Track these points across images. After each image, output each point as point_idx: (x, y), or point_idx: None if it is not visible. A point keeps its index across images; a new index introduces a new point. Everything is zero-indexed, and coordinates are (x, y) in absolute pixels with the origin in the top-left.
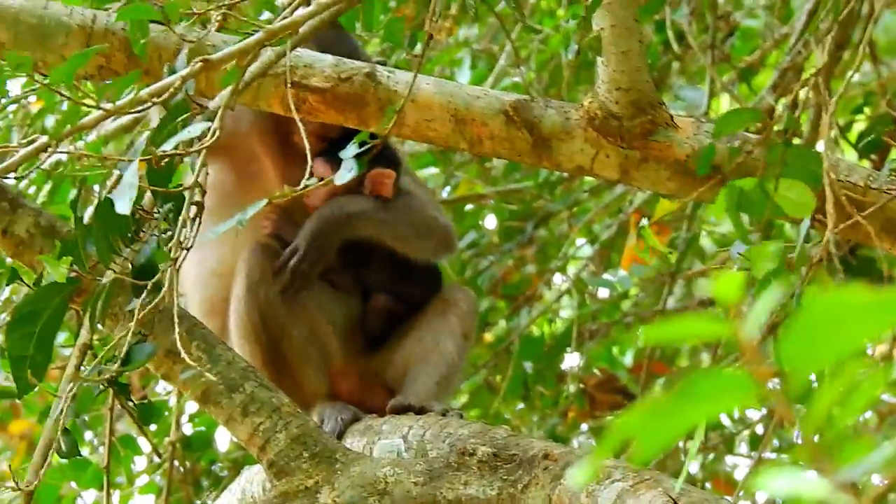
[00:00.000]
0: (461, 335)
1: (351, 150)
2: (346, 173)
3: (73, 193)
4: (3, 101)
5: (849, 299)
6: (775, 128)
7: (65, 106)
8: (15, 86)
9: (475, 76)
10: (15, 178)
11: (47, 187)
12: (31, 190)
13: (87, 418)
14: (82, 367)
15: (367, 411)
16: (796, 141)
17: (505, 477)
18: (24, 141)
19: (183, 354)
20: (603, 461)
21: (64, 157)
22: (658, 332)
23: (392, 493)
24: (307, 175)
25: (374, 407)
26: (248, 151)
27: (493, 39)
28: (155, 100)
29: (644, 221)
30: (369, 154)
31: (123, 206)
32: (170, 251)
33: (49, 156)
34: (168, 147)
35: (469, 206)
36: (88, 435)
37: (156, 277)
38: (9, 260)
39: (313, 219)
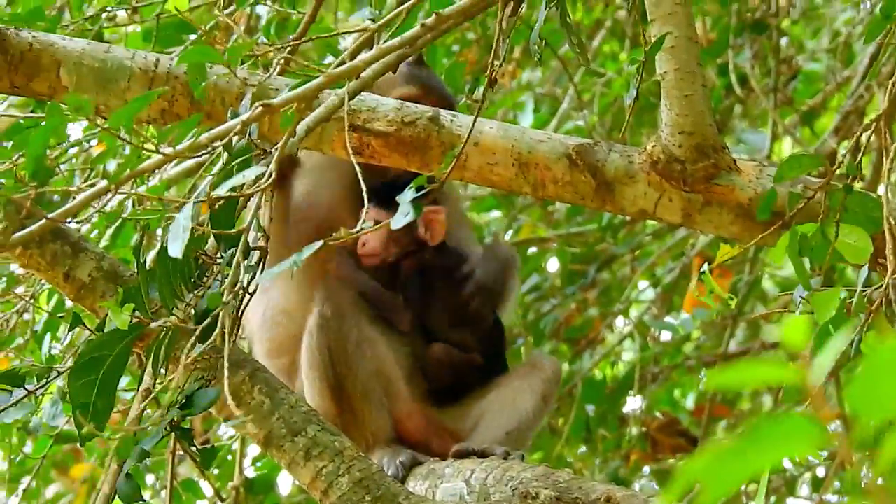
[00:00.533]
0: (540, 396)
1: (408, 194)
2: (402, 217)
3: (135, 238)
4: (64, 144)
5: None
6: (836, 172)
7: (127, 150)
8: (76, 129)
9: (538, 120)
10: (76, 221)
11: (109, 231)
12: (94, 234)
13: (149, 462)
14: (144, 413)
15: (433, 456)
16: (858, 185)
17: None
18: (85, 185)
19: (231, 404)
20: None
21: (127, 201)
22: (722, 377)
23: None
24: (362, 218)
25: (440, 453)
26: (327, 210)
27: (557, 83)
28: (216, 144)
29: (705, 266)
30: (427, 198)
31: (176, 250)
32: (222, 295)
33: (109, 200)
34: (223, 190)
35: (532, 250)
36: (150, 479)
37: (211, 321)
38: (69, 304)
39: (490, 264)
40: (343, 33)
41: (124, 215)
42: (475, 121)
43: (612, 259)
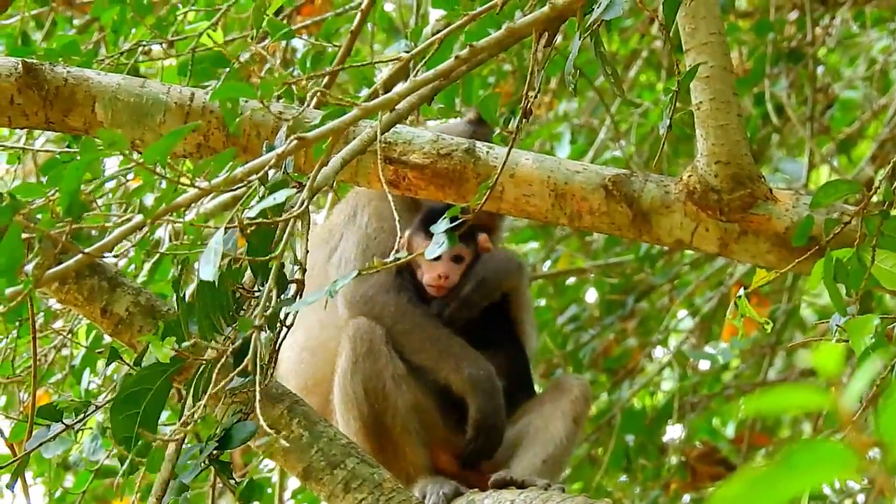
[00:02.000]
0: (572, 419)
1: (442, 224)
2: (436, 247)
3: (173, 272)
4: (100, 179)
5: None
6: (873, 199)
7: (163, 184)
8: (112, 162)
9: (575, 150)
10: (113, 256)
11: (147, 266)
12: (131, 268)
13: (189, 496)
14: (184, 446)
15: (470, 486)
16: (894, 212)
17: None
18: (120, 220)
19: (265, 428)
20: None
21: (164, 235)
22: (759, 404)
23: None
24: (395, 248)
25: (477, 483)
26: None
27: (593, 113)
28: (251, 178)
29: (741, 291)
30: (460, 229)
31: (208, 273)
32: (256, 322)
33: (143, 235)
34: (254, 213)
35: (570, 280)
36: None
37: (244, 349)
38: (107, 338)
39: (481, 265)
40: (376, 63)
41: (162, 250)
42: (509, 152)
43: (650, 289)
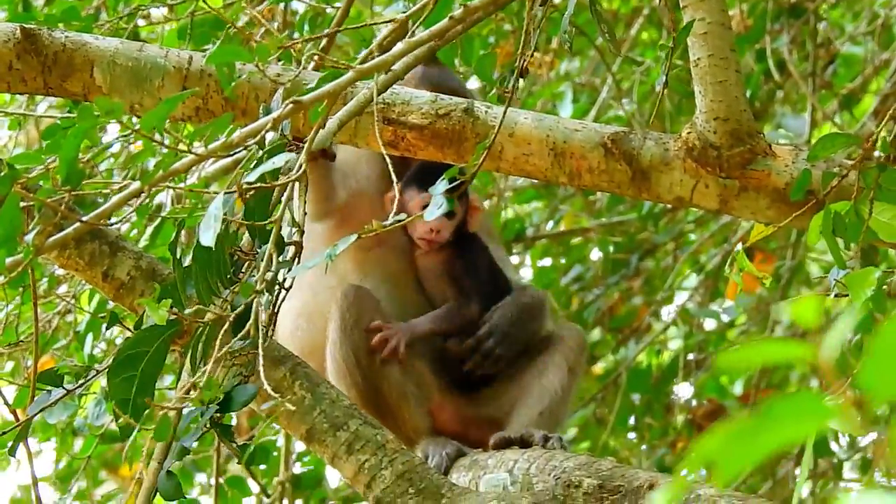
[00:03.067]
0: (567, 370)
1: (440, 186)
2: (435, 209)
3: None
4: (100, 145)
5: None
6: (871, 151)
7: (164, 149)
8: (115, 127)
9: (577, 110)
10: (115, 222)
11: (149, 230)
12: (133, 233)
13: (193, 459)
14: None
15: (472, 445)
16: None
17: None
18: (118, 187)
19: (268, 390)
20: (710, 491)
21: (166, 199)
22: (734, 358)
23: None
24: (394, 209)
25: (479, 441)
26: (369, 204)
27: (595, 72)
28: (248, 142)
29: (739, 246)
30: (459, 190)
31: (208, 239)
32: (256, 287)
33: (142, 201)
34: (253, 177)
35: (576, 240)
36: (202, 477)
37: (245, 313)
38: (111, 304)
39: (511, 307)
40: (373, 24)
41: (163, 214)
42: (506, 111)
43: (654, 248)
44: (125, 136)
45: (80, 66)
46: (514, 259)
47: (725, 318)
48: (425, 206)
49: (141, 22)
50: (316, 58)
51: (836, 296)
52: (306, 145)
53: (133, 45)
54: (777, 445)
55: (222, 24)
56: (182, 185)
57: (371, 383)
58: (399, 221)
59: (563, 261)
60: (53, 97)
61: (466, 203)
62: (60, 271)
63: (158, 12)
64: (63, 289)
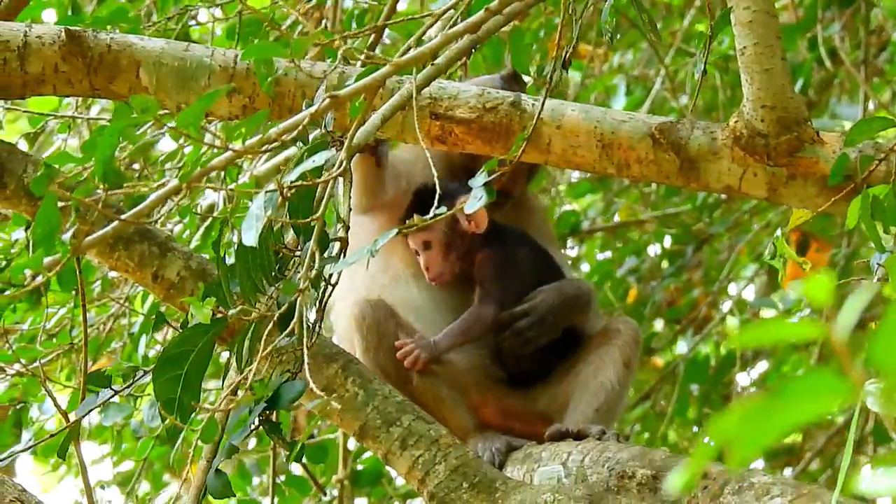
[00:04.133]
0: (622, 364)
1: (480, 178)
2: (475, 202)
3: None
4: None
5: None
6: None
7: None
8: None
9: (630, 102)
10: (152, 221)
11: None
12: (186, 234)
13: (255, 460)
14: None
15: (518, 437)
16: None
17: (665, 498)
18: (156, 185)
19: (313, 387)
20: (764, 478)
21: (218, 199)
22: (748, 336)
23: None
24: (435, 205)
25: (527, 435)
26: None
27: (648, 64)
28: (284, 137)
29: (778, 231)
30: (499, 181)
31: (250, 238)
32: (300, 284)
33: (181, 199)
34: (294, 176)
35: (634, 235)
36: (264, 479)
37: (289, 310)
38: (163, 308)
39: (554, 293)
40: (410, 19)
41: (215, 214)
42: (544, 100)
43: (709, 238)
44: (161, 133)
45: (126, 68)
46: (572, 252)
47: (782, 307)
48: (414, 251)
49: (190, 23)
50: (355, 53)
51: (878, 280)
52: (347, 140)
53: (179, 45)
54: (792, 424)
55: (271, 23)
56: (218, 185)
57: (406, 393)
58: (439, 215)
59: (620, 253)
60: (100, 99)
61: (454, 224)
62: (114, 274)
63: (206, 13)
64: (119, 293)
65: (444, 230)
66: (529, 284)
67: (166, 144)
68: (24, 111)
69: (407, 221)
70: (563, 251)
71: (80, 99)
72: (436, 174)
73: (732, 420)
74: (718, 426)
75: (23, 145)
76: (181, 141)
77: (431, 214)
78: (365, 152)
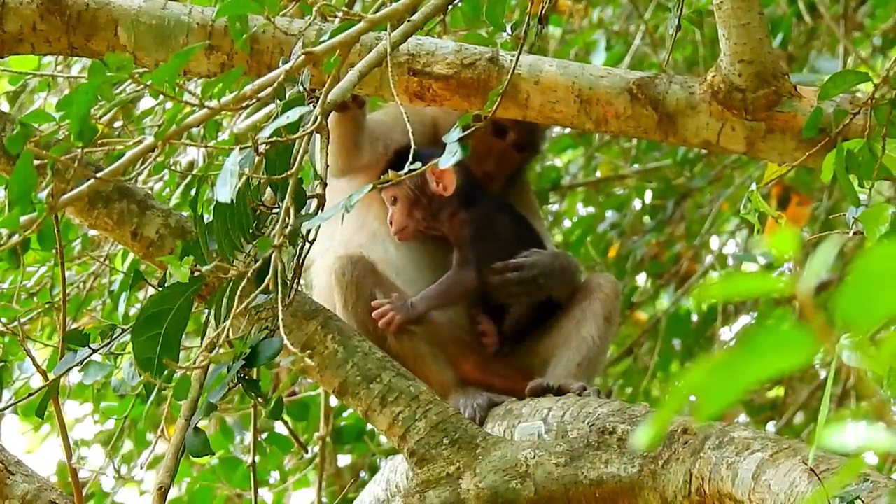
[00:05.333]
0: (603, 318)
1: (454, 133)
2: (449, 156)
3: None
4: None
5: None
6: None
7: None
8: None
9: (610, 57)
10: (129, 179)
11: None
12: (167, 191)
13: (239, 417)
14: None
15: (499, 394)
16: None
17: (645, 454)
18: (132, 143)
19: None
20: (744, 433)
21: (198, 156)
22: (713, 291)
23: (534, 475)
24: (409, 162)
25: (508, 391)
26: None
27: (629, 19)
28: (260, 94)
29: (753, 186)
30: (472, 137)
31: (224, 195)
32: (275, 241)
33: (156, 156)
34: (268, 132)
35: (618, 191)
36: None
37: (265, 266)
38: (143, 266)
39: (549, 257)
40: None
41: (194, 171)
42: (519, 55)
43: (690, 192)
44: (137, 91)
45: (104, 26)
46: (553, 207)
47: (763, 261)
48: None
49: None
50: (323, 8)
51: (854, 234)
52: (322, 96)
53: (157, 2)
54: (759, 378)
55: None
56: (202, 140)
57: (386, 350)
58: (413, 171)
59: (602, 208)
60: (78, 57)
61: (406, 181)
62: (94, 232)
63: None
64: (100, 252)
65: (411, 187)
66: (508, 252)
67: (148, 102)
68: (4, 70)
69: (381, 178)
70: (545, 207)
71: (61, 57)
72: (411, 132)
73: (699, 375)
74: (686, 381)
75: (4, 105)
76: (160, 98)
77: (406, 171)
78: (348, 108)
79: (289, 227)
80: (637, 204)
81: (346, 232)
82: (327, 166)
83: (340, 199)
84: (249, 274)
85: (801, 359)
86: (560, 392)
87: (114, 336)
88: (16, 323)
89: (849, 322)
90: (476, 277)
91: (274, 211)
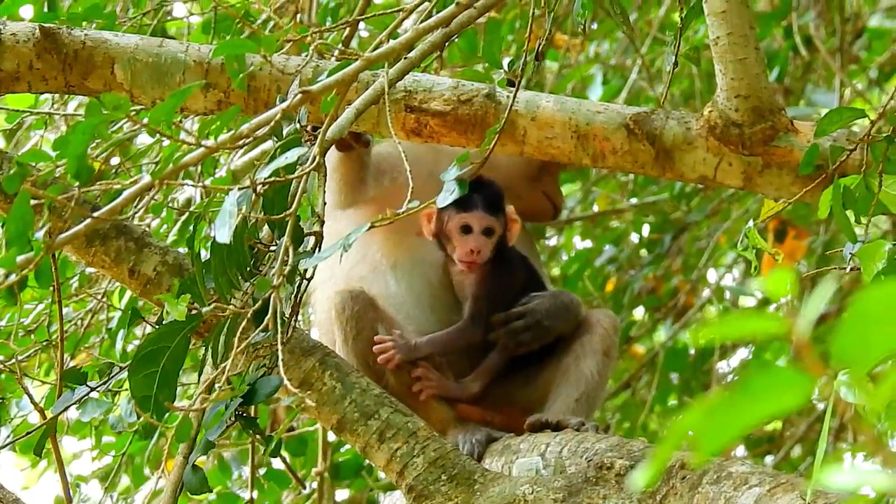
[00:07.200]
0: (602, 353)
1: (452, 171)
2: (447, 195)
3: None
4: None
5: None
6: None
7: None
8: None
9: (608, 91)
10: (126, 217)
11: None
12: (164, 228)
13: (237, 453)
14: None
15: (498, 430)
16: None
17: (643, 489)
18: (129, 182)
19: (287, 384)
20: (741, 468)
21: (195, 194)
22: (709, 332)
23: None
24: (406, 199)
25: (507, 427)
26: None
27: (626, 53)
28: (257, 133)
29: (750, 223)
30: (471, 176)
31: (224, 236)
32: (274, 281)
33: (154, 195)
34: (266, 172)
35: (615, 224)
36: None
37: (263, 306)
38: (140, 303)
39: (550, 299)
40: (382, 14)
41: (191, 208)
42: (516, 92)
43: (687, 226)
44: (133, 130)
45: (101, 64)
46: (551, 241)
47: (760, 295)
48: (463, 227)
49: (166, 18)
50: (322, 47)
51: (851, 270)
52: (321, 134)
53: (153, 41)
54: (757, 420)
55: (246, 17)
56: (199, 178)
57: (385, 386)
58: (412, 209)
59: (600, 243)
60: (75, 95)
61: (505, 217)
62: (91, 270)
63: (181, 8)
64: (98, 289)
65: (506, 227)
66: (514, 301)
67: (145, 139)
68: (1, 108)
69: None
70: (542, 241)
71: (57, 95)
72: (408, 169)
73: (696, 416)
74: (683, 422)
75: (0, 142)
76: (157, 137)
77: (404, 209)
78: (352, 146)
79: (287, 267)
80: (634, 238)
81: (347, 262)
82: (325, 204)
83: (343, 227)
84: (250, 313)
85: (797, 400)
86: (558, 427)
87: (111, 374)
88: (13, 360)
89: (845, 362)
90: (482, 334)
91: (271, 249)
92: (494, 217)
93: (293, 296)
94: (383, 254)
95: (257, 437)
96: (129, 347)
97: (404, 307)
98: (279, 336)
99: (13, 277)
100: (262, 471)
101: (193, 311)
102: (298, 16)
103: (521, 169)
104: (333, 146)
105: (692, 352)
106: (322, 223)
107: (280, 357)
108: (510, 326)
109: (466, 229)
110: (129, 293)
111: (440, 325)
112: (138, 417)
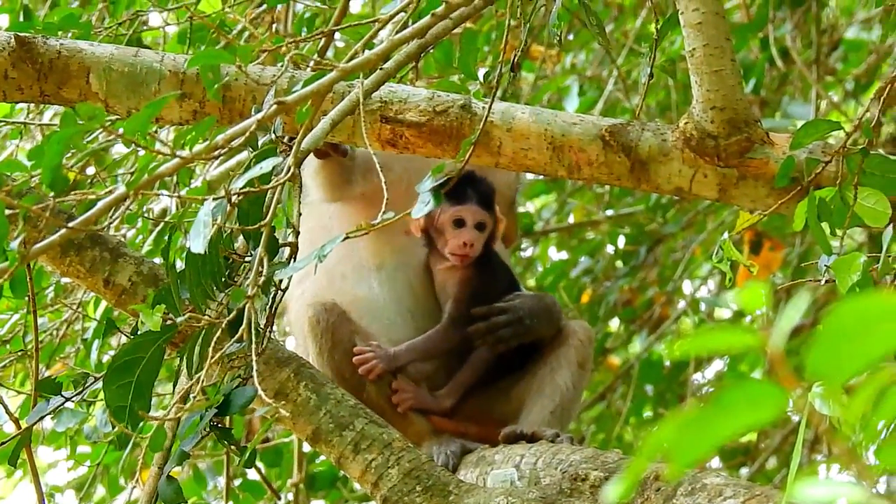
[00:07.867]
0: (577, 365)
1: (427, 183)
2: (422, 206)
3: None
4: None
5: (875, 306)
6: (856, 137)
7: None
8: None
9: (583, 103)
10: (101, 228)
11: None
12: (139, 238)
13: (212, 463)
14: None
15: (473, 441)
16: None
17: (618, 501)
18: (104, 192)
19: (261, 393)
20: (716, 479)
21: (171, 204)
22: (685, 346)
23: None
24: (381, 210)
25: (482, 438)
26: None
27: (602, 64)
28: (232, 143)
29: (725, 234)
30: (446, 187)
31: (198, 246)
32: (249, 291)
33: (129, 205)
34: (241, 183)
35: (590, 235)
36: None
37: (238, 317)
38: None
39: (533, 299)
40: (358, 24)
41: (167, 218)
42: (492, 104)
43: (663, 238)
44: (108, 140)
45: (76, 73)
46: (526, 253)
47: (735, 307)
48: (456, 220)
49: (141, 28)
50: (299, 58)
51: (826, 282)
52: (295, 145)
53: (129, 50)
54: (731, 434)
55: (223, 27)
56: (175, 188)
57: (361, 399)
58: (389, 220)
59: (576, 254)
60: (51, 105)
61: (494, 215)
62: (67, 280)
63: (157, 18)
64: (73, 299)
65: (496, 224)
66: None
67: (121, 149)
68: None
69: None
70: (517, 254)
71: (33, 104)
72: (382, 175)
73: (670, 430)
74: (658, 434)
75: None
76: (132, 147)
77: (379, 219)
78: (333, 156)
79: (262, 278)
80: (610, 249)
81: (332, 256)
82: (300, 214)
83: (336, 225)
84: (224, 324)
85: (772, 413)
86: (533, 439)
87: (86, 384)
88: None
89: (819, 375)
90: (462, 337)
91: (246, 259)
92: (487, 212)
93: (268, 306)
94: (370, 252)
95: (232, 447)
96: (105, 358)
97: (385, 312)
98: (254, 347)
99: None
100: (237, 482)
101: (168, 322)
102: (274, 26)
103: (502, 195)
104: (311, 154)
105: (667, 363)
106: (297, 233)
107: (255, 368)
108: (492, 320)
109: (459, 223)
110: (104, 303)
111: (419, 332)
112: (113, 428)
